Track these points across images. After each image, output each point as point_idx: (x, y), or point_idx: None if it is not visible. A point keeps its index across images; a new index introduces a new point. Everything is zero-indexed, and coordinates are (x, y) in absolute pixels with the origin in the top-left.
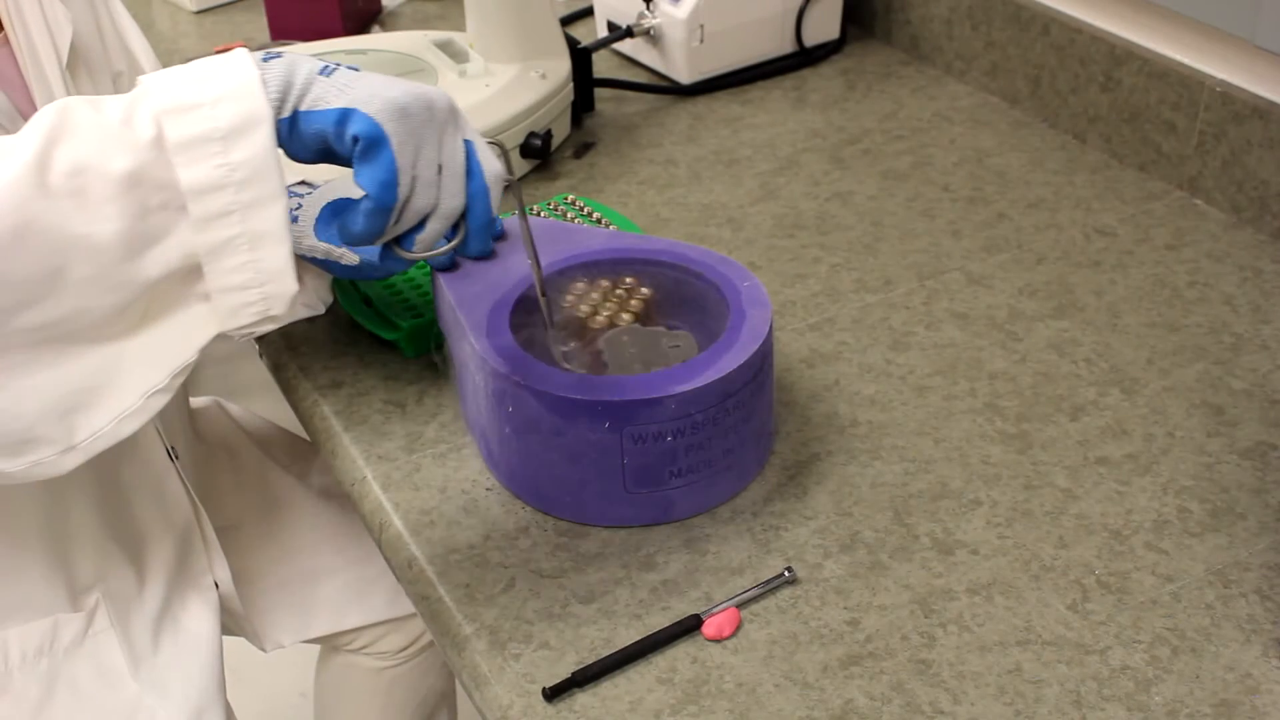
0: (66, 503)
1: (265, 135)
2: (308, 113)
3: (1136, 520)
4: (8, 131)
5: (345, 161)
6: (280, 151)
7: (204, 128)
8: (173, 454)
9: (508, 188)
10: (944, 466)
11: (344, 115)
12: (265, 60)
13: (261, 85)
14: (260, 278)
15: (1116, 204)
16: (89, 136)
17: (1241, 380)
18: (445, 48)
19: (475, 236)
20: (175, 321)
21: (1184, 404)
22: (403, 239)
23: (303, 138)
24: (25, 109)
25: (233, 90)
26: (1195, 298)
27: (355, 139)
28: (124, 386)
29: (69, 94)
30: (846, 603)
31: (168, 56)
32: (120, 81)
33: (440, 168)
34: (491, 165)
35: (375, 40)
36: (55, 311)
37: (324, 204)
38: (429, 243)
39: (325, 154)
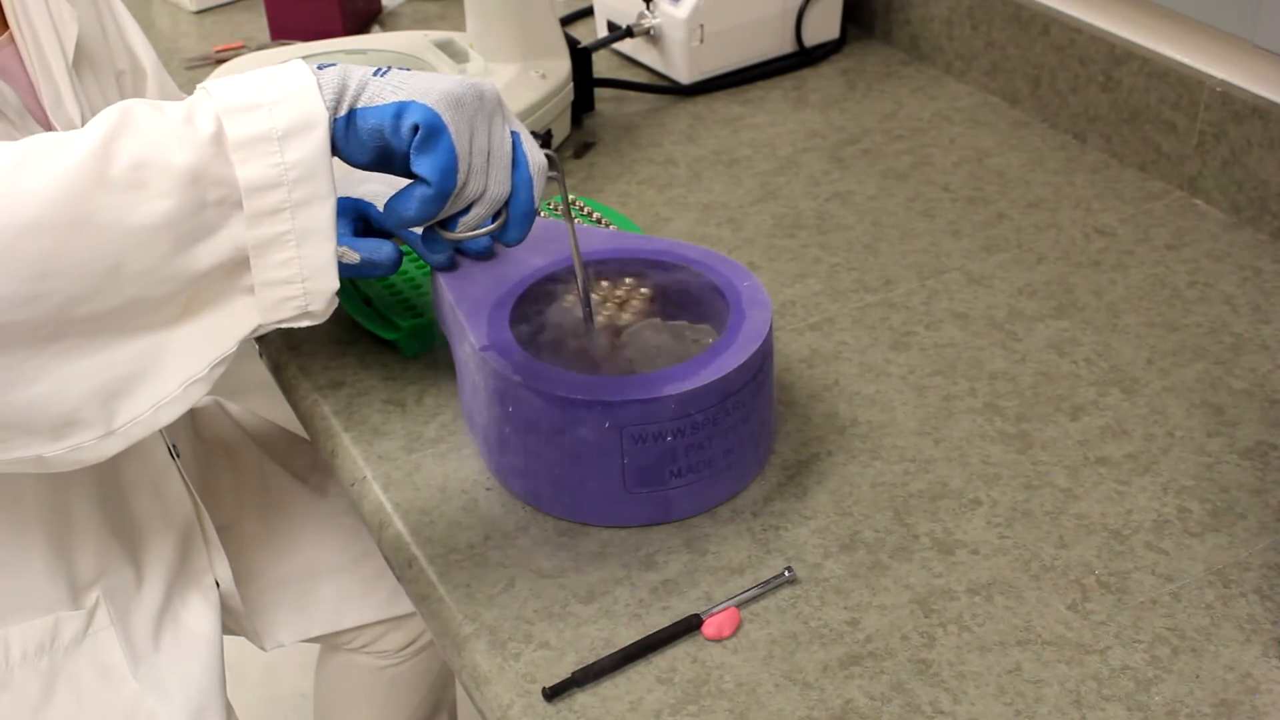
0: (68, 499)
1: (320, 136)
2: (365, 109)
3: (1136, 520)
4: (16, 128)
5: (401, 161)
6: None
7: (262, 127)
8: (174, 452)
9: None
10: (944, 466)
11: (402, 107)
12: (320, 69)
13: (318, 89)
14: (304, 273)
15: (1116, 204)
16: (151, 132)
17: (1241, 380)
18: (445, 48)
19: (516, 224)
20: (218, 313)
21: (1184, 404)
22: (447, 222)
23: (360, 135)
24: (32, 106)
25: (290, 93)
26: (1195, 298)
27: (415, 128)
28: (165, 374)
29: (75, 92)
30: (846, 603)
31: (168, 56)
32: (123, 80)
33: (488, 155)
34: (536, 156)
35: (375, 40)
36: (113, 302)
37: None
38: (472, 225)
39: (381, 153)
